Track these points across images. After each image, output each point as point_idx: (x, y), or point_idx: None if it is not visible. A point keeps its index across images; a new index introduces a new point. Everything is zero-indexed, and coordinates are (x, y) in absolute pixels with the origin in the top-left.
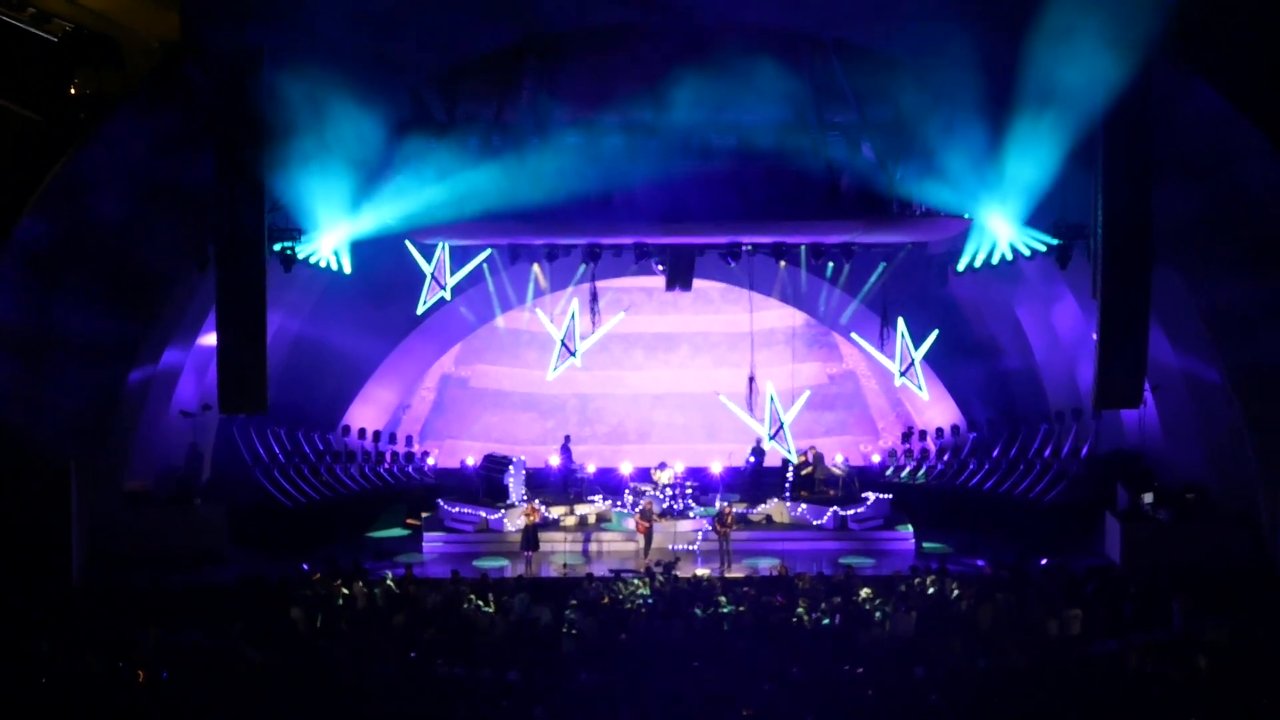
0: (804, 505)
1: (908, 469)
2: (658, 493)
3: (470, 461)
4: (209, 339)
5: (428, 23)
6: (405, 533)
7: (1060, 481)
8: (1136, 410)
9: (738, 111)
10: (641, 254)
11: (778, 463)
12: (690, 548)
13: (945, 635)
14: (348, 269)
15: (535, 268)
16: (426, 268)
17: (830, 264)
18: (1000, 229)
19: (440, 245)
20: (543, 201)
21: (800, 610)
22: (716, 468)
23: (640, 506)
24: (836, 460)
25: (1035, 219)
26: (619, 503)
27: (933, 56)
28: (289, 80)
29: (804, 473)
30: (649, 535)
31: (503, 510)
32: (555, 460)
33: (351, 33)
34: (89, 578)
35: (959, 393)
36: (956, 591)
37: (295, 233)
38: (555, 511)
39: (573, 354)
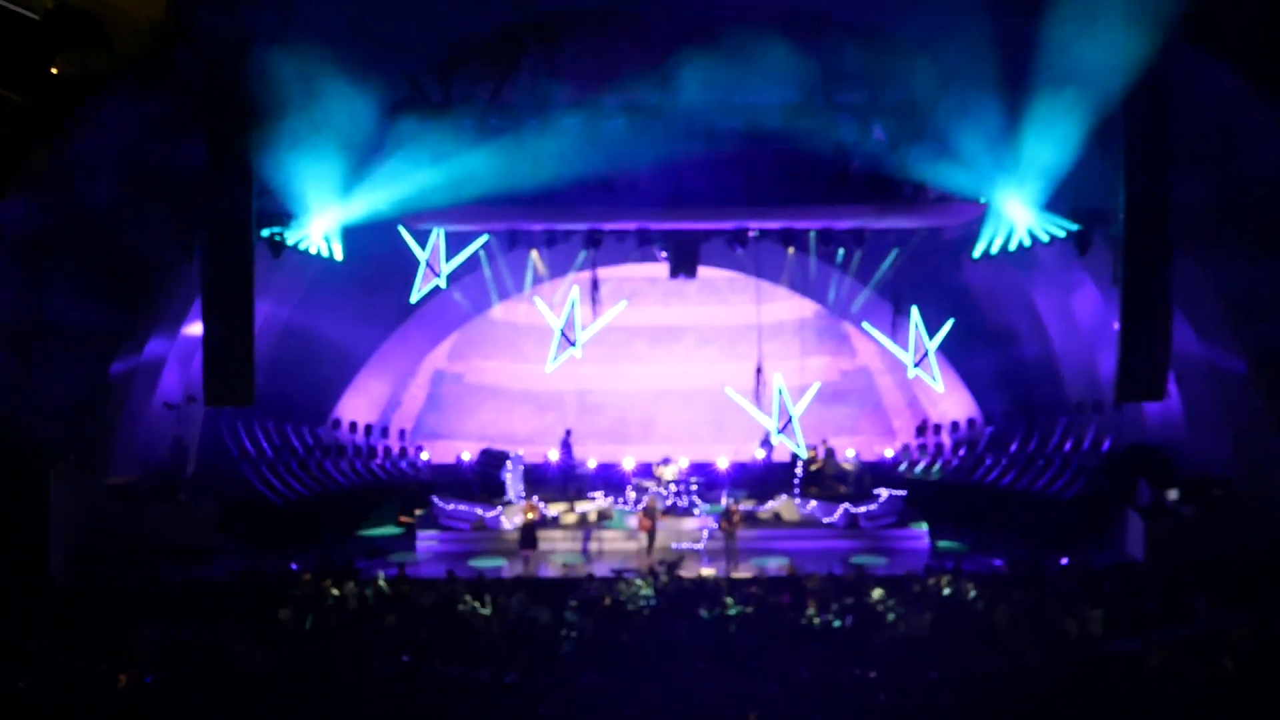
0: (814, 502)
1: (922, 464)
2: (661, 489)
3: (466, 457)
4: (194, 328)
5: (422, 1)
6: (398, 531)
7: (1080, 476)
8: (1160, 402)
9: (744, 92)
10: (644, 240)
11: (787, 458)
12: (695, 546)
13: (960, 636)
14: (339, 255)
15: (534, 254)
16: (421, 254)
17: (840, 250)
18: (1017, 214)
19: (435, 231)
20: (542, 185)
21: (809, 611)
22: (722, 463)
23: (643, 504)
24: (848, 455)
25: (1053, 203)
26: (621, 500)
27: (947, 35)
28: (280, 61)
29: (814, 468)
30: (652, 533)
31: (500, 507)
32: (555, 455)
33: (343, 12)
34: (71, 574)
35: (975, 384)
36: (972, 592)
37: (284, 218)
38: (555, 509)
39: (573, 344)
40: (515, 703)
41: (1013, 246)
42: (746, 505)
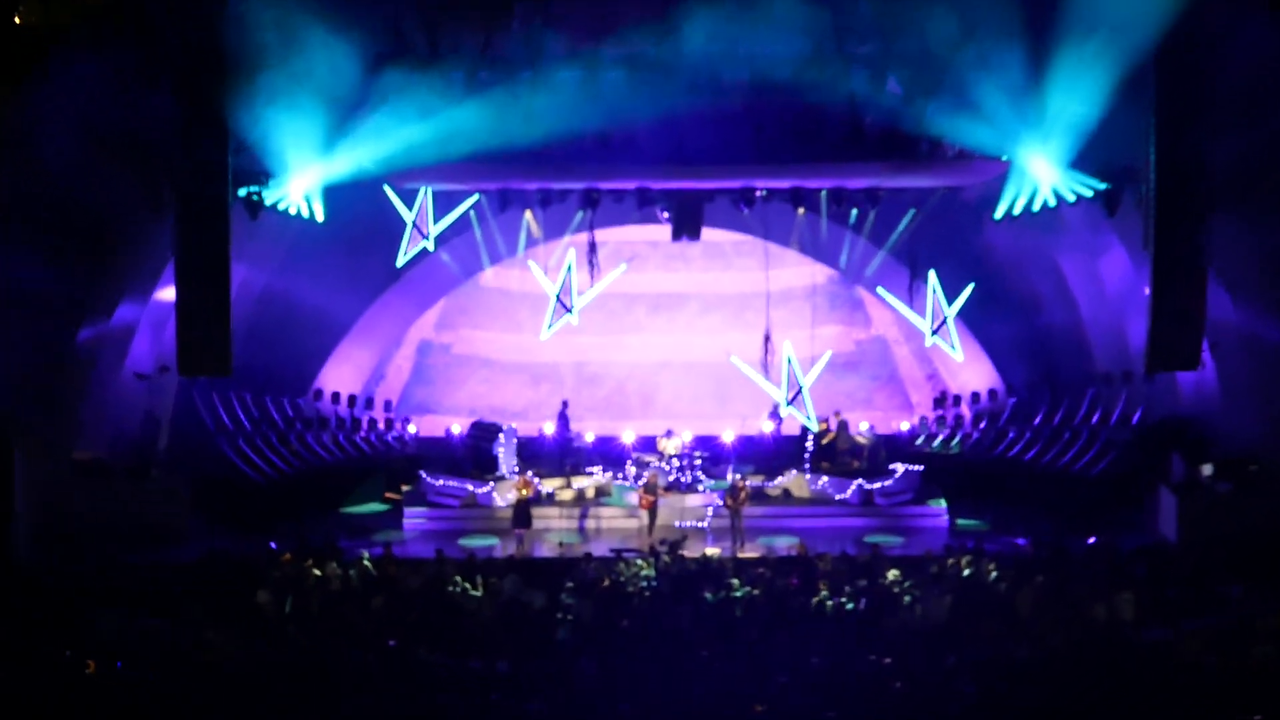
0: (825, 478)
1: (940, 438)
2: (663, 464)
3: (456, 430)
4: (167, 293)
5: None
6: (384, 508)
7: (1108, 451)
8: (1193, 372)
9: (751, 43)
10: (645, 200)
11: (796, 431)
12: (699, 525)
13: (981, 621)
14: (320, 216)
15: (527, 215)
16: (407, 215)
17: (854, 211)
18: (1042, 172)
19: (422, 190)
20: (536, 142)
21: (821, 594)
22: (728, 436)
23: (644, 479)
24: (861, 428)
25: (1080, 161)
26: (620, 475)
27: None
28: (256, 8)
29: (825, 442)
30: (653, 511)
31: (492, 483)
32: (550, 428)
33: None
34: (35, 556)
35: (996, 353)
36: (994, 573)
37: (262, 176)
38: (550, 485)
39: (569, 311)
40: (506, 693)
41: (1037, 207)
42: (754, 481)
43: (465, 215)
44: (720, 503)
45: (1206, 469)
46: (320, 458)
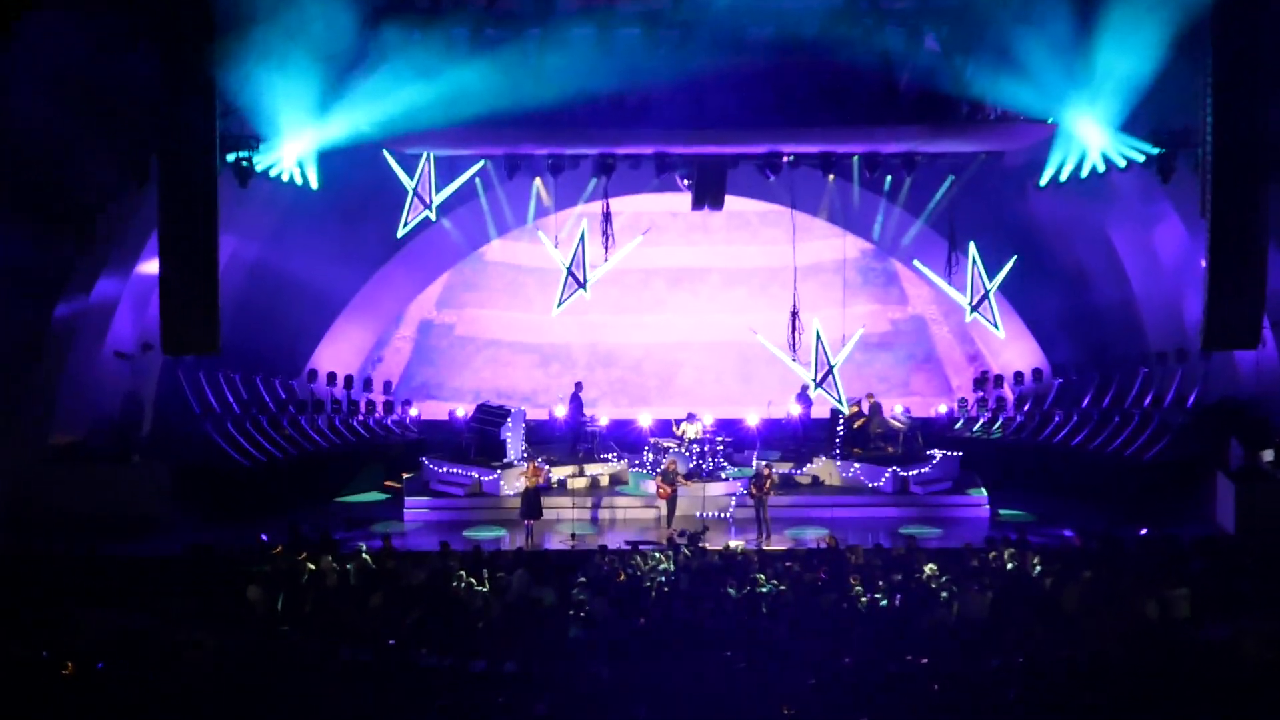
0: (857, 465)
1: (981, 421)
2: (683, 450)
3: (460, 413)
4: (150, 266)
5: None
6: (383, 497)
7: (1162, 436)
8: (1253, 351)
9: None
10: (663, 166)
11: (826, 414)
12: (722, 515)
13: (1025, 619)
14: (314, 184)
15: (537, 183)
16: (408, 182)
17: (888, 178)
18: (1090, 135)
19: (424, 156)
20: (546, 103)
21: (853, 590)
22: (753, 420)
23: (662, 466)
24: (896, 411)
25: (1132, 123)
26: (637, 462)
27: None
28: None
29: (857, 426)
30: (672, 500)
31: (499, 471)
32: (562, 412)
33: None
34: (7, 547)
35: (1041, 331)
36: (1038, 567)
37: (253, 141)
38: (561, 472)
39: (582, 285)
40: (513, 695)
41: (1085, 173)
42: (780, 468)
43: (470, 183)
44: (744, 491)
45: (1267, 454)
46: (315, 443)
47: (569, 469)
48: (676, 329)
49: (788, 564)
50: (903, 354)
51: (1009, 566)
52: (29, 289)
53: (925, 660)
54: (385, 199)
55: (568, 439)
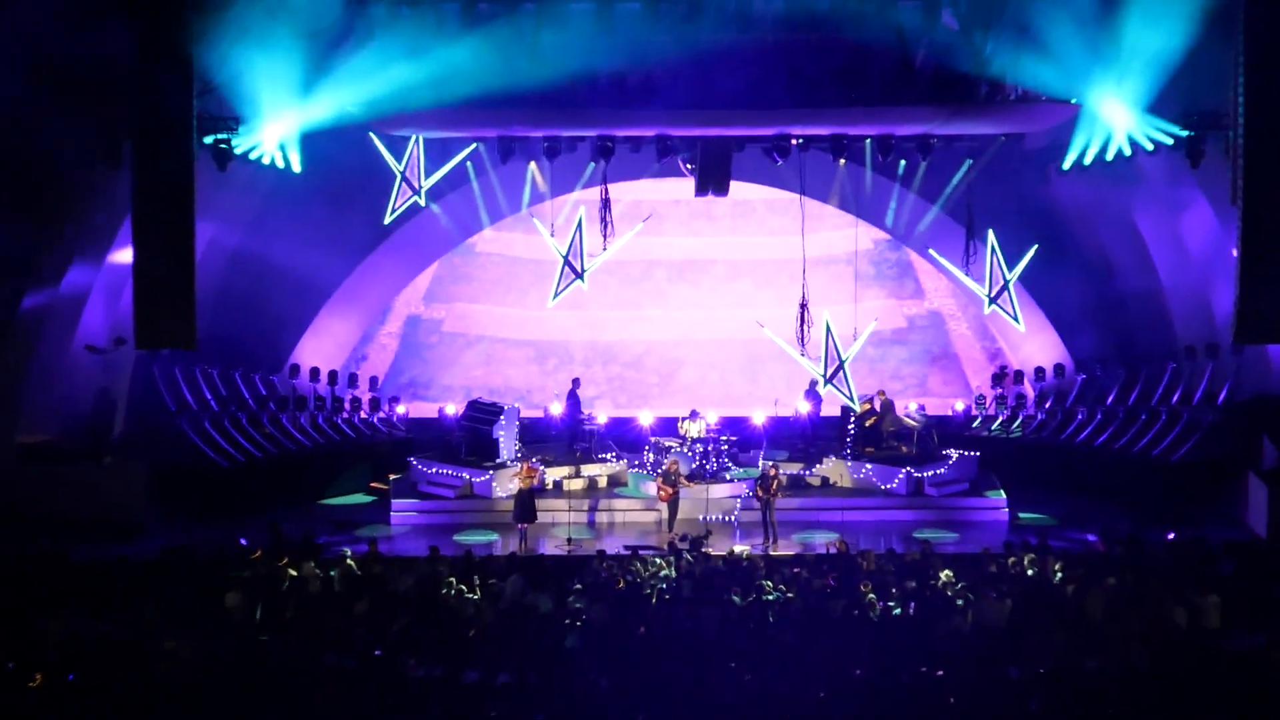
0: (869, 465)
1: (1000, 419)
2: (685, 449)
3: (451, 411)
4: (124, 255)
5: None
6: (369, 499)
7: (1191, 435)
8: None
9: None
10: (665, 149)
11: (837, 412)
12: (726, 519)
13: (1046, 628)
14: (297, 167)
15: (532, 167)
16: (396, 166)
17: (902, 162)
18: (1116, 116)
19: (413, 138)
20: (542, 83)
21: (865, 597)
22: (759, 418)
23: (664, 467)
24: (910, 409)
25: (1160, 104)
26: (637, 462)
27: None
28: None
29: (869, 424)
30: (674, 503)
31: (491, 471)
32: (558, 409)
33: None
34: None
35: (1063, 324)
36: (1060, 574)
37: (232, 122)
38: (557, 473)
39: (579, 276)
40: (508, 708)
41: (1110, 156)
42: (788, 469)
43: (461, 167)
44: (750, 493)
45: None
46: (297, 442)
47: (565, 470)
48: (679, 323)
49: (796, 570)
50: (918, 349)
51: (1029, 573)
52: None
53: (941, 671)
54: (372, 184)
55: (564, 438)
